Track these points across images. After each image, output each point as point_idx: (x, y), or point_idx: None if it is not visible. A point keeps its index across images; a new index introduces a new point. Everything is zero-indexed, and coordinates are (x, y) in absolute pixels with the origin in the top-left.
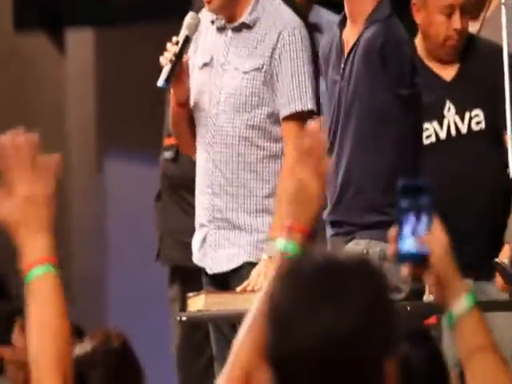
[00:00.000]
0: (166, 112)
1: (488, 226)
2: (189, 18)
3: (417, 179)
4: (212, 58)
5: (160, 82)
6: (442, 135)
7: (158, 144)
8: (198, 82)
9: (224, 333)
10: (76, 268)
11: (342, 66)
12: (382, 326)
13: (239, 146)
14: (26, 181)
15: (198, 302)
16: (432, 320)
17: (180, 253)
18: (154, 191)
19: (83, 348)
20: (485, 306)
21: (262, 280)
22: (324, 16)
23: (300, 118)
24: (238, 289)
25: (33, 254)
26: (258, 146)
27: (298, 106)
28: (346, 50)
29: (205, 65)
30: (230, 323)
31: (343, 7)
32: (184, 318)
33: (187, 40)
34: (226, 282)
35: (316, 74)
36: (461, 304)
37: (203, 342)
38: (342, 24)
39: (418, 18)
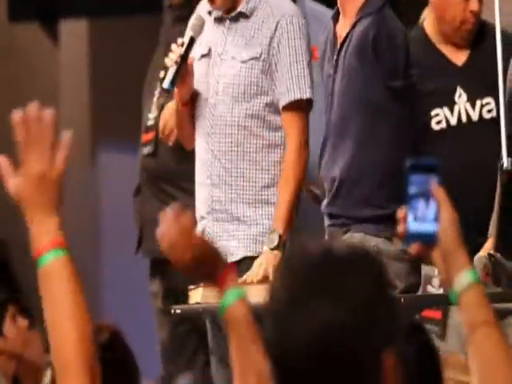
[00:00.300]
0: (144, 107)
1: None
2: (193, 19)
3: (424, 159)
4: (210, 49)
5: (165, 84)
6: (453, 121)
7: None
8: (196, 73)
9: (221, 326)
10: None
11: (335, 58)
12: (382, 318)
13: (238, 136)
14: (41, 157)
15: (196, 295)
16: (437, 315)
17: (159, 245)
18: None
19: None
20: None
21: (262, 272)
22: (307, 5)
23: (299, 106)
24: (239, 281)
25: (44, 237)
26: (257, 136)
27: (296, 95)
28: (339, 44)
29: (203, 56)
30: None
31: (336, 1)
32: (178, 311)
33: (192, 41)
34: None
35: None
36: (463, 279)
37: (187, 335)
38: (336, 18)
39: None
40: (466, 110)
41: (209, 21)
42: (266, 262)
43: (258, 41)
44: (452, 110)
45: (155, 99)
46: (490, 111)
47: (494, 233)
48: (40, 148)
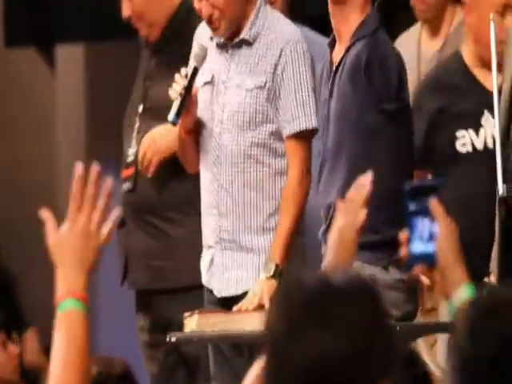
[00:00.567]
0: (124, 142)
1: None
2: (196, 48)
3: (423, 180)
4: (213, 77)
5: (171, 117)
6: (479, 145)
7: None
8: (200, 100)
9: (223, 352)
10: None
11: (330, 82)
12: (379, 347)
13: (244, 165)
14: (89, 220)
15: (191, 323)
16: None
17: (146, 276)
18: None
19: None
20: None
21: (257, 300)
22: (301, 31)
23: (304, 136)
24: (234, 309)
25: (68, 286)
26: (263, 164)
27: (302, 125)
28: (334, 68)
29: (206, 83)
30: (227, 343)
31: (331, 26)
32: (174, 339)
33: (195, 72)
34: (233, 305)
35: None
36: (461, 294)
37: (176, 366)
38: (332, 45)
39: (470, 19)
40: (493, 135)
41: (210, 46)
42: (262, 291)
43: (262, 68)
44: (478, 133)
45: (135, 134)
46: None
47: (496, 271)
48: (91, 211)
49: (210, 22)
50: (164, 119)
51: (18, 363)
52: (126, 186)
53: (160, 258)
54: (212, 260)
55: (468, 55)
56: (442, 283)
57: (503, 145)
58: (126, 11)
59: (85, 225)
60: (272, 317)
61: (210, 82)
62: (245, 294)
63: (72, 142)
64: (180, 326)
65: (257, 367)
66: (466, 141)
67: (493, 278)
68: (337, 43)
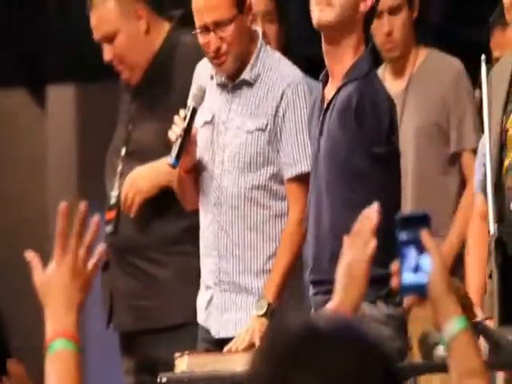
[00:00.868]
0: (106, 184)
1: None
2: (194, 89)
3: (414, 211)
4: (213, 117)
5: (171, 160)
6: None
7: None
8: (199, 140)
9: None
10: None
11: (320, 120)
12: None
13: (245, 207)
14: (76, 258)
15: (182, 364)
16: None
17: (130, 317)
18: None
19: None
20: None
21: (248, 339)
22: None
23: (305, 178)
24: (225, 349)
25: (57, 326)
26: (263, 206)
27: (304, 167)
28: (325, 106)
29: (206, 123)
30: None
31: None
32: (164, 380)
33: (194, 112)
34: None
35: None
36: (452, 326)
37: None
38: (325, 81)
39: None
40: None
41: (210, 85)
42: (253, 329)
43: (263, 110)
44: None
45: (117, 177)
46: None
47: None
48: (77, 248)
49: (216, 57)
50: (147, 162)
51: None
52: (109, 228)
53: (144, 299)
54: (211, 300)
55: None
56: (434, 315)
57: (495, 185)
58: (107, 55)
59: (71, 263)
60: (257, 361)
61: (210, 122)
62: None
63: (63, 182)
64: (167, 366)
65: None
66: None
67: (489, 322)
68: (329, 80)
